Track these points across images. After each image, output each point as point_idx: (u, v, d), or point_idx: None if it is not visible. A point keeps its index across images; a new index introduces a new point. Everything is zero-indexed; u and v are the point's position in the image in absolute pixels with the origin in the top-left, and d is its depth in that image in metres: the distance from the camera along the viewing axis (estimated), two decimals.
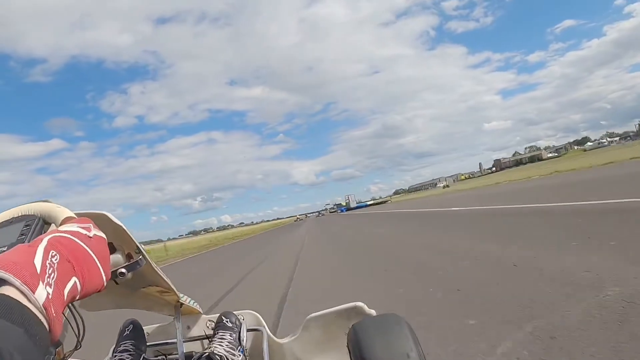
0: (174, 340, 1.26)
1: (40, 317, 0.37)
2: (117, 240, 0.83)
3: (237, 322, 1.31)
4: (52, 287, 0.40)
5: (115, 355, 1.13)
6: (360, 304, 1.30)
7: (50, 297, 0.39)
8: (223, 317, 1.30)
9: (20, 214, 0.64)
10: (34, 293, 0.37)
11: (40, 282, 0.39)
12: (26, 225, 0.60)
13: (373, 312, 1.27)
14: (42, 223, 0.62)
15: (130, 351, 1.14)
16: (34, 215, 0.63)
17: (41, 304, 0.37)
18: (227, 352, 1.15)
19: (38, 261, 0.41)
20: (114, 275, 0.74)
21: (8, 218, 0.64)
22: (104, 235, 0.57)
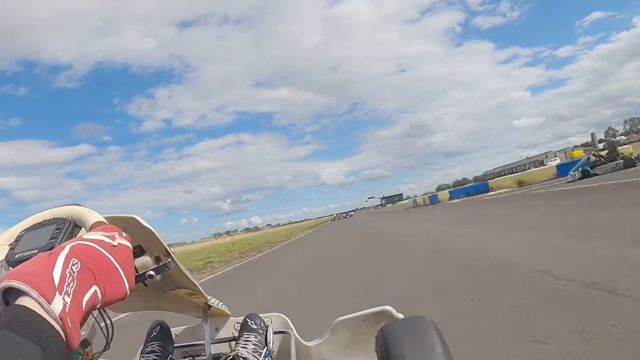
0: (202, 341, 1.27)
1: (57, 328, 0.37)
2: (146, 243, 0.84)
3: (262, 324, 1.31)
4: (71, 296, 0.40)
5: (143, 357, 1.14)
6: (388, 307, 1.28)
7: (67, 307, 0.39)
8: (248, 320, 1.30)
9: (52, 217, 0.65)
10: (50, 304, 0.37)
11: (57, 293, 0.39)
12: (57, 229, 0.61)
13: (401, 315, 1.25)
14: (73, 226, 0.63)
15: (157, 352, 1.15)
16: (65, 218, 0.64)
17: (57, 314, 0.37)
18: (252, 354, 1.15)
19: (57, 270, 0.41)
20: (143, 278, 0.75)
21: (40, 220, 0.65)
22: (129, 244, 0.56)
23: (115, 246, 0.52)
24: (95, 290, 0.45)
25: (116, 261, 0.50)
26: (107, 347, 0.63)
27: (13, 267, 0.57)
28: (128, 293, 0.52)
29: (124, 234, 0.57)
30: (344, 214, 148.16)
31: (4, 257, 0.60)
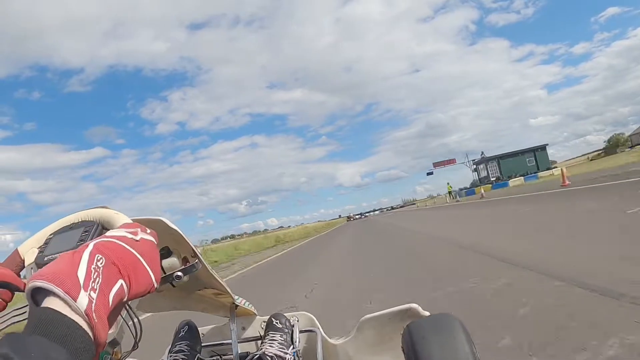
0: (229, 341, 1.29)
1: (83, 325, 0.38)
2: (173, 244, 0.85)
3: (288, 323, 1.31)
4: (97, 291, 0.41)
5: (171, 356, 1.17)
6: (414, 305, 1.26)
7: (93, 302, 0.40)
8: (273, 319, 1.31)
9: (79, 220, 0.67)
10: (75, 300, 0.38)
11: (82, 289, 0.40)
12: (85, 231, 0.62)
13: (427, 313, 1.23)
14: (101, 229, 0.65)
15: (185, 351, 1.17)
16: (92, 221, 0.66)
17: (83, 310, 0.39)
18: (278, 353, 1.15)
19: (82, 267, 0.42)
20: (171, 279, 0.76)
21: (68, 224, 0.67)
22: (151, 238, 0.58)
23: (137, 240, 0.54)
24: (122, 284, 0.46)
25: (139, 254, 0.51)
26: (135, 346, 0.64)
27: None
28: (155, 285, 0.53)
29: (148, 230, 0.59)
30: (359, 215, 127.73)
31: (33, 260, 0.62)
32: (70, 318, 0.37)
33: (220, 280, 1.03)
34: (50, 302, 0.38)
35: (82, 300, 0.39)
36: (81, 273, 0.41)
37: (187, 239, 0.86)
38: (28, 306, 0.55)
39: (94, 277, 0.42)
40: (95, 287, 0.41)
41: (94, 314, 0.39)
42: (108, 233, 0.54)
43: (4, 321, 0.58)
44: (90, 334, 0.39)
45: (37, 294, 0.40)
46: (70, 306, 0.38)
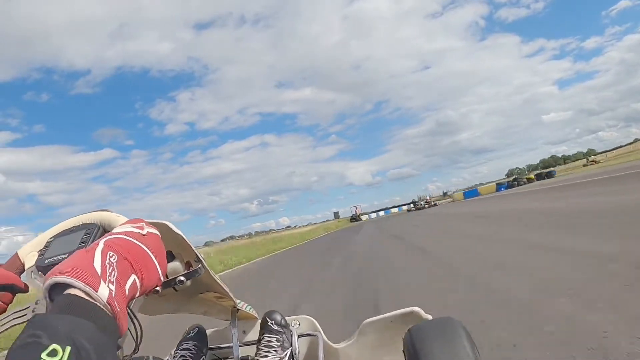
0: (230, 344, 1.28)
1: (106, 312, 0.39)
2: (177, 248, 0.85)
3: (283, 322, 1.30)
4: (114, 284, 0.42)
5: (177, 352, 1.17)
6: (416, 308, 1.26)
7: (113, 293, 0.41)
8: (267, 319, 1.29)
9: (80, 223, 0.67)
10: (97, 292, 0.39)
11: (102, 281, 0.40)
12: (86, 234, 0.62)
13: (429, 316, 1.23)
14: (102, 231, 0.64)
15: (191, 350, 1.18)
16: (93, 224, 0.65)
17: (105, 300, 0.39)
18: (277, 357, 1.14)
19: (97, 263, 0.42)
20: (173, 283, 0.75)
21: (69, 227, 0.67)
22: (157, 232, 0.58)
23: (144, 235, 0.54)
24: (134, 279, 0.47)
25: (148, 249, 0.52)
26: (136, 349, 0.63)
27: (44, 273, 0.58)
28: (162, 279, 0.54)
29: (151, 224, 0.59)
30: (361, 217, 75.69)
31: (34, 263, 0.62)
32: (95, 303, 0.38)
33: (222, 284, 1.03)
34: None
35: (103, 291, 0.40)
36: (97, 267, 0.42)
37: (190, 244, 0.86)
38: (28, 308, 0.55)
39: (110, 271, 0.43)
40: (112, 280, 0.42)
41: (115, 303, 0.40)
42: (115, 229, 0.54)
43: (4, 324, 0.58)
44: (114, 321, 0.39)
45: (55, 291, 0.40)
46: (92, 297, 0.39)
